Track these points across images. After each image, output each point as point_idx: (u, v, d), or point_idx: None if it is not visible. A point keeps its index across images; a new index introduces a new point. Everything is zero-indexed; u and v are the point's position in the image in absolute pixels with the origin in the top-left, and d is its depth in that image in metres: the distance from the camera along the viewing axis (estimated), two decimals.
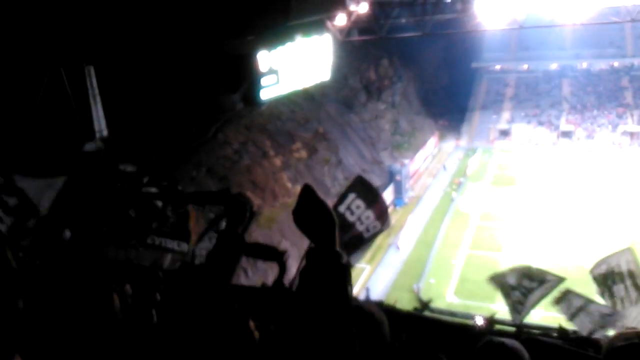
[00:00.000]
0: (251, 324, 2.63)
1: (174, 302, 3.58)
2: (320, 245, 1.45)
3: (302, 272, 1.42)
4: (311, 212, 1.46)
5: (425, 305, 7.83)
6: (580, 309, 4.79)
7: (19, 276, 2.46)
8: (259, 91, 10.77)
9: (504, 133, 33.60)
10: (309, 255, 1.44)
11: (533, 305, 4.95)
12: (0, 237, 2.32)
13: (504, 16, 17.31)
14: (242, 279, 13.57)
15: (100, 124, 12.83)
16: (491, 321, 6.61)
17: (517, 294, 5.34)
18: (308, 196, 1.45)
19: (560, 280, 4.78)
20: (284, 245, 13.86)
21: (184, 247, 8.00)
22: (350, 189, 5.09)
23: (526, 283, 5.32)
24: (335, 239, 1.47)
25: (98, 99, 12.44)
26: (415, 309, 7.56)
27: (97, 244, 2.74)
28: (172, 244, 7.56)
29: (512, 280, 5.33)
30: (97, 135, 12.48)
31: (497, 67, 36.49)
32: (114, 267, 2.31)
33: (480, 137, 33.42)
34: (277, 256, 4.36)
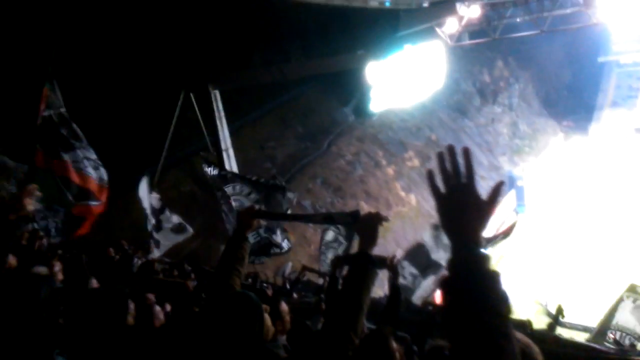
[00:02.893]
0: (392, 345, 2.60)
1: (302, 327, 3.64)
2: (466, 246, 1.26)
3: (446, 282, 1.25)
4: (464, 206, 1.30)
5: (556, 319, 7.34)
6: None
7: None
8: (369, 103, 10.97)
9: (639, 131, 30.37)
10: (454, 259, 1.25)
11: None
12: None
13: (633, 3, 15.79)
14: None
15: (226, 143, 13.97)
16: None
17: None
18: (464, 190, 1.31)
19: None
20: (399, 254, 13.84)
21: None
22: None
23: None
24: (483, 239, 1.30)
25: (224, 120, 13.59)
26: (550, 325, 7.11)
27: None
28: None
29: None
30: (224, 150, 13.51)
31: (628, 59, 33.00)
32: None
33: (611, 137, 30.51)
34: (387, 264, 4.36)
